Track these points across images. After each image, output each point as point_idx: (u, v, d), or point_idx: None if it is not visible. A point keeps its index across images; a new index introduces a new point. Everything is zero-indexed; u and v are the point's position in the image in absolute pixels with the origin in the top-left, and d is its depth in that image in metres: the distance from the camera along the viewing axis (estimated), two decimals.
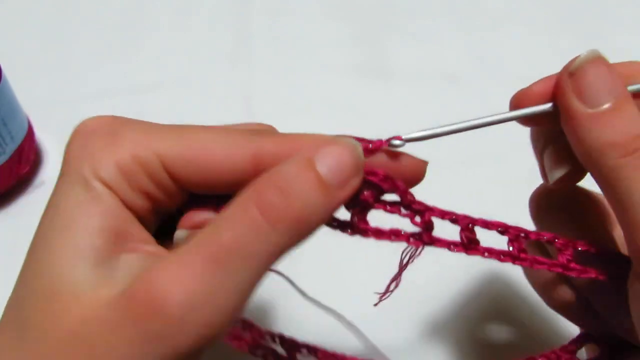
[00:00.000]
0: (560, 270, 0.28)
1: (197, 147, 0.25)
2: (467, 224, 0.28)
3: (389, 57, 0.64)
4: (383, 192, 0.26)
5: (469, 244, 0.28)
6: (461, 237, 0.28)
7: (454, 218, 0.28)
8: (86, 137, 0.25)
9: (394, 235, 0.27)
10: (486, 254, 0.28)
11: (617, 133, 0.25)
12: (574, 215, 0.31)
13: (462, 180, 0.52)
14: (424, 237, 0.27)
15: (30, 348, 0.22)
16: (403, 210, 0.27)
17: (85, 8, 0.68)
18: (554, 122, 0.27)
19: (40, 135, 0.54)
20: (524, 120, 0.29)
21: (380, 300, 0.32)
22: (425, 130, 0.28)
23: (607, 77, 0.26)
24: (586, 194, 0.32)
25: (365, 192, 0.26)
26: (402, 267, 0.29)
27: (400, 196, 0.27)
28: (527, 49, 0.64)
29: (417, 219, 0.27)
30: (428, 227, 0.27)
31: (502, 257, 0.28)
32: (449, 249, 0.27)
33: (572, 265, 0.28)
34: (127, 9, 0.68)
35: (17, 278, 0.24)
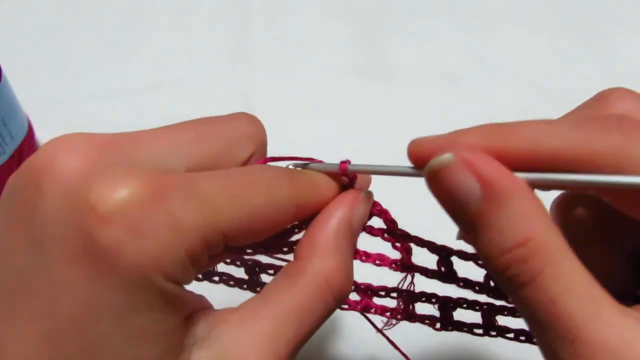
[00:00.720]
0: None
1: (255, 217, 0.23)
2: (442, 255, 0.29)
3: (389, 57, 0.64)
4: (371, 216, 0.29)
5: (445, 273, 0.29)
6: (438, 266, 0.29)
7: (432, 247, 0.29)
8: (138, 229, 0.20)
9: (378, 259, 0.28)
10: (461, 284, 0.29)
11: (484, 248, 0.22)
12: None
13: None
14: (406, 262, 0.28)
15: None
16: (386, 235, 0.29)
17: (85, 8, 0.68)
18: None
19: (40, 135, 0.54)
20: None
21: (384, 328, 0.32)
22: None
23: (462, 184, 0.21)
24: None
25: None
26: (403, 296, 0.30)
27: (386, 223, 0.29)
28: (527, 49, 0.64)
29: (398, 244, 0.29)
30: (408, 251, 0.29)
31: (476, 288, 0.29)
32: (427, 275, 0.29)
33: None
34: (127, 9, 0.68)
35: None
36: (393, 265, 0.28)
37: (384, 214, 0.28)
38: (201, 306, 0.24)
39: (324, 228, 0.26)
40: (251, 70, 0.62)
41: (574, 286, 0.20)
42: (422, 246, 0.29)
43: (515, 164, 0.22)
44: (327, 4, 0.69)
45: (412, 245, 0.29)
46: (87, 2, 0.69)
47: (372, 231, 0.29)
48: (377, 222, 0.29)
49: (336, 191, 0.27)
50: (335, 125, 0.57)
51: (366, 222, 0.28)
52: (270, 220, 0.24)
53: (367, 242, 0.29)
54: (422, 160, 0.23)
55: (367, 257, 0.28)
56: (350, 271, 0.26)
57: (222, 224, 0.22)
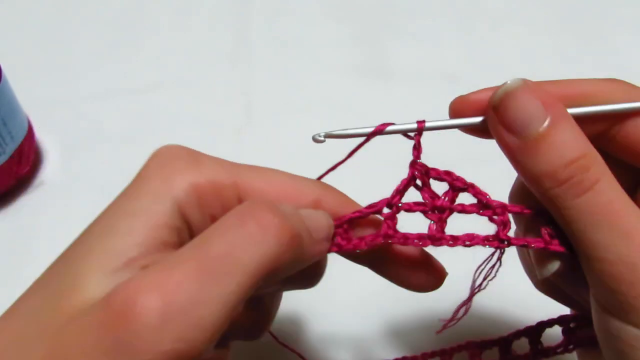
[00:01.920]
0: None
1: (274, 182, 0.27)
2: (548, 217, 0.26)
3: (389, 57, 0.64)
4: (457, 191, 0.27)
5: (550, 240, 0.26)
6: (543, 233, 0.27)
7: (534, 212, 0.27)
8: (166, 157, 0.25)
9: (468, 240, 0.27)
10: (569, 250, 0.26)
11: (546, 162, 0.24)
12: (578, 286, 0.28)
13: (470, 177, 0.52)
14: (501, 235, 0.26)
15: (23, 329, 0.22)
16: (482, 210, 0.27)
17: (85, 8, 0.68)
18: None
19: (40, 135, 0.54)
20: (465, 129, 0.28)
21: (444, 328, 0.32)
22: (350, 129, 0.28)
23: (530, 106, 0.25)
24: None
25: (442, 197, 0.27)
26: (475, 290, 0.29)
27: (477, 197, 0.27)
28: (527, 49, 0.64)
29: (495, 217, 0.27)
30: (505, 225, 0.27)
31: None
32: (528, 246, 0.27)
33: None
34: (127, 9, 0.68)
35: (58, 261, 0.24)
36: (486, 242, 0.26)
37: (471, 187, 0.27)
38: None
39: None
40: (251, 70, 0.62)
41: (622, 192, 0.24)
42: (523, 214, 0.27)
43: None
44: (327, 4, 0.69)
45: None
46: (87, 2, 0.69)
47: (464, 209, 0.27)
48: (468, 199, 0.27)
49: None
50: (335, 125, 0.56)
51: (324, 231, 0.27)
52: (289, 196, 0.26)
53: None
54: (470, 108, 0.28)
55: (454, 240, 0.27)
56: (290, 219, 0.23)
57: (236, 171, 0.26)
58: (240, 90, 0.60)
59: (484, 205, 0.27)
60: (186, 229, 0.25)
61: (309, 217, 0.25)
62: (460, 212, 0.27)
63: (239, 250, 0.21)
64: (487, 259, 0.28)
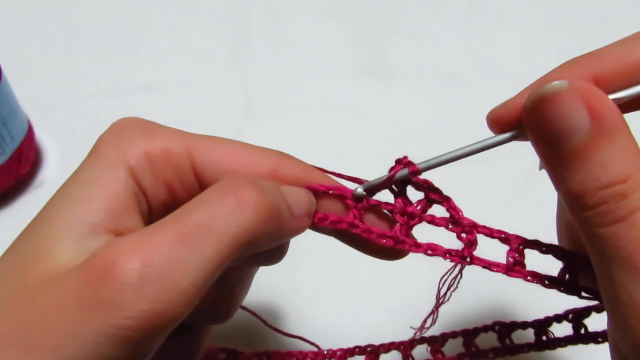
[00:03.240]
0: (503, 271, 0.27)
1: (227, 149, 0.27)
2: (517, 244, 0.27)
3: (389, 57, 0.64)
4: (431, 203, 0.27)
5: (513, 266, 0.27)
6: (507, 258, 0.27)
7: (503, 237, 0.27)
8: (120, 128, 0.26)
9: (430, 249, 0.27)
10: (529, 277, 0.27)
11: (578, 182, 0.21)
12: None
13: (464, 178, 0.52)
14: (465, 253, 0.27)
15: (3, 297, 0.22)
16: (450, 225, 0.27)
17: (85, 8, 0.68)
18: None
19: (40, 135, 0.54)
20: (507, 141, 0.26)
21: (415, 336, 0.32)
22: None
23: (571, 115, 0.21)
24: None
25: (414, 205, 0.27)
26: (439, 300, 0.29)
27: (449, 211, 0.27)
28: (527, 49, 0.64)
29: (463, 235, 0.27)
30: (471, 244, 0.27)
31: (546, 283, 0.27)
32: (489, 269, 0.27)
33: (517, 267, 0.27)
34: (127, 9, 0.68)
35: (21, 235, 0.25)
36: (447, 255, 0.27)
37: (446, 201, 0.27)
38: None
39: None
40: (251, 70, 0.62)
41: None
42: (492, 236, 0.27)
43: (610, 86, 0.22)
44: (327, 5, 0.69)
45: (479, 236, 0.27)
46: (87, 2, 0.69)
47: (434, 220, 0.27)
48: (440, 212, 0.28)
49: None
50: (336, 125, 0.57)
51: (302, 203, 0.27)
52: (243, 163, 0.26)
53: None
54: (508, 121, 0.25)
55: (417, 246, 0.27)
56: (270, 197, 0.24)
57: (188, 139, 0.26)
58: (240, 90, 0.60)
59: (454, 221, 0.27)
60: (142, 194, 0.25)
61: (290, 193, 0.26)
62: (429, 222, 0.27)
63: (217, 221, 0.22)
64: (449, 270, 0.28)
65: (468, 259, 0.27)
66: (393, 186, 0.27)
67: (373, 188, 0.28)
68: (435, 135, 0.49)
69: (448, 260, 0.27)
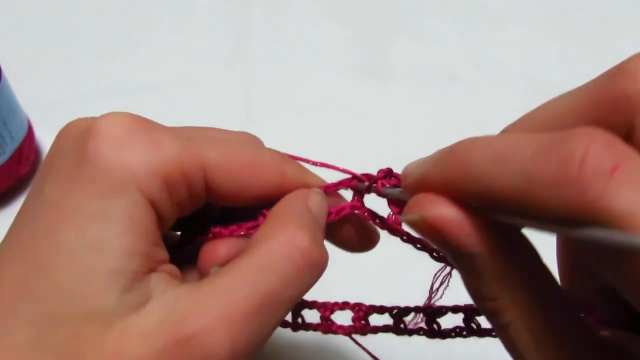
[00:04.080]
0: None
1: (238, 160, 0.25)
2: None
3: (389, 57, 0.64)
4: None
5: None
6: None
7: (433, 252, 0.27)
8: (121, 141, 0.22)
9: (420, 243, 0.27)
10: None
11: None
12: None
13: None
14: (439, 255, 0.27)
15: None
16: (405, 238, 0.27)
17: (85, 8, 0.68)
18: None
19: (40, 135, 0.54)
20: None
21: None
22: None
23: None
24: None
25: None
26: (432, 296, 0.29)
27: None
28: (527, 49, 0.64)
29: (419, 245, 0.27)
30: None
31: None
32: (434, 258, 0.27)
33: None
34: (126, 9, 0.68)
35: (22, 279, 0.22)
36: (434, 255, 0.27)
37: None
38: (170, 271, 0.24)
39: (290, 204, 0.26)
40: (251, 70, 0.62)
41: (542, 342, 0.20)
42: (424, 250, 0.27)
43: (474, 201, 0.20)
44: (327, 4, 0.69)
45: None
46: (87, 2, 0.69)
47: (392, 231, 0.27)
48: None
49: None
50: (336, 125, 0.57)
51: (326, 213, 0.27)
52: (253, 171, 0.25)
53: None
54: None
55: (409, 238, 0.27)
56: (321, 245, 0.25)
57: (201, 156, 0.24)
58: (240, 90, 0.60)
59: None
60: (159, 219, 0.24)
61: (315, 205, 0.26)
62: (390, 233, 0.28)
63: (291, 289, 0.23)
64: (442, 268, 0.28)
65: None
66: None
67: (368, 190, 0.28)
68: (436, 135, 0.49)
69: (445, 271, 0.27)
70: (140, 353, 0.20)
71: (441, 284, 0.29)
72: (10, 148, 0.48)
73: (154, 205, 0.23)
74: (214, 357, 0.20)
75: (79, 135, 0.23)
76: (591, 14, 0.68)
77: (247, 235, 0.26)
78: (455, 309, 0.29)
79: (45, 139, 0.55)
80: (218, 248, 0.26)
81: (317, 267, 0.24)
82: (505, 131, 0.24)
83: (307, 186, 0.27)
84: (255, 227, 0.26)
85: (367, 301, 0.30)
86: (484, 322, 0.27)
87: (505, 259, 0.20)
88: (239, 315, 0.21)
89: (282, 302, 0.22)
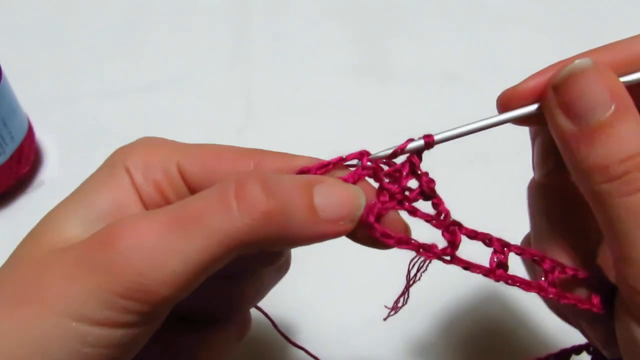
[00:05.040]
0: (535, 291, 0.27)
1: (210, 154, 0.27)
2: (502, 247, 0.27)
3: (389, 57, 0.64)
4: (425, 196, 0.27)
5: (495, 268, 0.27)
6: (491, 260, 0.27)
7: (487, 240, 0.27)
8: (132, 144, 0.28)
9: (422, 248, 0.26)
10: (510, 281, 0.27)
11: (603, 155, 0.23)
12: (564, 212, 0.29)
13: (463, 179, 0.52)
14: (448, 252, 0.26)
15: (11, 263, 0.24)
16: (435, 222, 0.26)
17: (85, 8, 0.68)
18: (546, 122, 0.26)
19: (40, 135, 0.54)
20: (514, 120, 0.27)
21: (389, 316, 0.31)
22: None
23: (597, 91, 0.23)
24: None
25: (406, 193, 0.26)
26: (409, 283, 0.28)
27: (435, 208, 0.27)
28: (527, 49, 0.64)
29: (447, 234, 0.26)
30: (455, 245, 0.26)
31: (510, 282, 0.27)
32: (470, 269, 0.26)
33: (550, 289, 0.27)
34: (127, 9, 0.68)
35: None
36: (422, 251, 0.26)
37: (437, 197, 0.27)
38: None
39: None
40: (251, 70, 0.62)
41: None
42: (476, 239, 0.27)
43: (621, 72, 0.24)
44: (327, 4, 0.69)
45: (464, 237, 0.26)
46: (87, 2, 0.69)
47: (418, 213, 0.26)
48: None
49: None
50: (335, 124, 0.57)
51: (347, 228, 0.25)
52: (225, 165, 0.26)
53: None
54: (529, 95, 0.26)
55: (402, 243, 0.26)
56: (275, 197, 0.23)
57: (178, 155, 0.27)
58: (240, 90, 0.60)
59: (440, 219, 0.27)
60: (137, 191, 0.27)
61: (325, 193, 0.24)
62: (411, 211, 0.27)
63: (210, 215, 0.22)
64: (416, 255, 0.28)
65: (448, 257, 0.26)
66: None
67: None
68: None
69: (422, 257, 0.27)
70: (67, 250, 0.23)
71: (418, 270, 0.28)
72: (10, 148, 0.48)
73: (130, 176, 0.27)
74: (116, 251, 0.22)
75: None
76: (591, 13, 0.68)
77: None
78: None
79: (45, 139, 0.55)
80: None
81: (251, 206, 0.22)
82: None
83: (288, 170, 0.26)
84: None
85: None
86: None
87: None
88: (149, 225, 0.22)
89: (199, 225, 0.22)
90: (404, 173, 0.27)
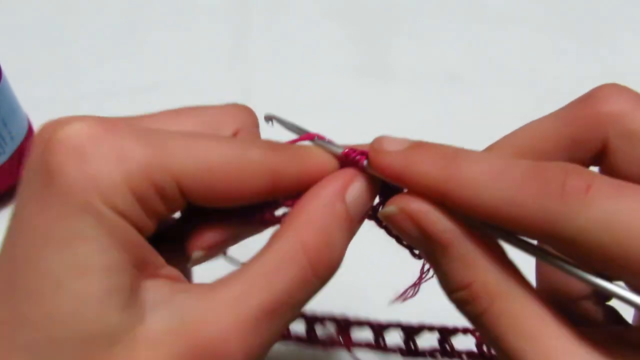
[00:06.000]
0: None
1: (214, 167, 0.23)
2: None
3: (389, 57, 0.64)
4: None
5: None
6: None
7: None
8: (82, 153, 0.21)
9: None
10: None
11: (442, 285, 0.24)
12: None
13: None
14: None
15: None
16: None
17: (85, 8, 0.68)
18: None
19: None
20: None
21: (395, 301, 0.32)
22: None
23: (407, 232, 0.23)
24: None
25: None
26: (424, 273, 0.29)
27: None
28: (527, 49, 0.64)
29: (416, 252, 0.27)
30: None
31: None
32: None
33: None
34: (127, 9, 0.68)
35: (13, 311, 0.21)
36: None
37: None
38: (169, 275, 0.24)
39: (310, 200, 0.24)
40: (251, 70, 0.62)
41: (520, 324, 0.21)
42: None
43: (458, 208, 0.22)
44: (327, 4, 0.69)
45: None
46: (87, 2, 0.69)
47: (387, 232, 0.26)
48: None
49: (334, 168, 0.27)
50: (336, 125, 0.57)
51: (369, 205, 0.26)
52: (236, 178, 0.23)
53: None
54: (380, 170, 0.25)
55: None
56: (336, 249, 0.24)
57: (172, 165, 0.22)
58: (240, 90, 0.60)
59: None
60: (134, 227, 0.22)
61: (353, 197, 0.25)
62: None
63: (297, 293, 0.23)
64: None
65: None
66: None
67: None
68: (436, 135, 0.49)
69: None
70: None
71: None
72: (10, 148, 0.48)
73: (126, 217, 0.21)
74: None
75: (44, 146, 0.22)
76: (591, 14, 0.68)
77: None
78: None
79: None
80: (204, 234, 0.25)
81: (326, 271, 0.23)
82: (490, 149, 0.26)
83: (307, 171, 0.26)
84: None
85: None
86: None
87: (476, 244, 0.22)
88: (252, 321, 0.21)
89: (291, 307, 0.23)
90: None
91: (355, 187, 0.25)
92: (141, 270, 0.22)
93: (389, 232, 0.27)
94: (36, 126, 0.53)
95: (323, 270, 0.23)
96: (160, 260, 0.24)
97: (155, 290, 0.22)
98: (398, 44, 0.65)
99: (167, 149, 0.22)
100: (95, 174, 0.21)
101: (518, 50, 0.64)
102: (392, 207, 0.23)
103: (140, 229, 0.22)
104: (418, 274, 0.29)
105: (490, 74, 0.61)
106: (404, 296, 0.30)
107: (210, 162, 0.23)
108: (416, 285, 0.30)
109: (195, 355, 0.21)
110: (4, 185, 0.50)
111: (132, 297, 0.21)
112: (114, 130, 0.22)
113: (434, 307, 0.30)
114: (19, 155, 0.49)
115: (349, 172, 0.26)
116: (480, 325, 0.22)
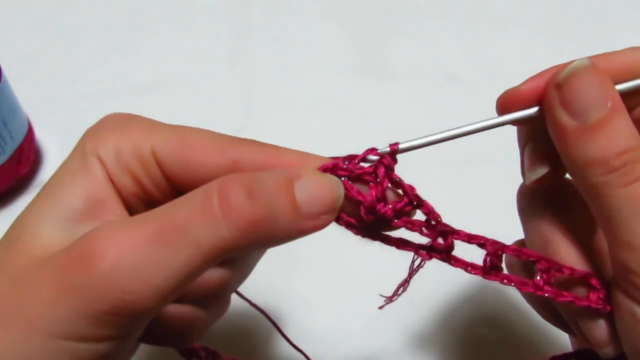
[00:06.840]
0: (532, 290, 0.27)
1: (187, 143, 0.26)
2: (495, 250, 0.27)
3: (389, 57, 0.64)
4: (412, 208, 0.27)
5: (489, 269, 0.27)
6: (485, 261, 0.27)
7: (481, 243, 0.27)
8: (100, 123, 0.28)
9: (420, 248, 0.27)
10: (505, 280, 0.27)
11: (602, 149, 0.24)
12: (558, 212, 0.29)
13: (461, 180, 0.52)
14: (445, 258, 0.27)
15: None
16: (425, 230, 0.27)
17: (85, 8, 0.68)
18: (542, 123, 0.27)
19: (40, 135, 0.54)
20: (513, 122, 0.28)
21: (385, 304, 0.32)
22: (411, 140, 0.28)
23: (596, 89, 0.25)
24: (573, 189, 0.29)
25: (390, 206, 0.26)
26: (412, 272, 0.29)
27: (427, 215, 0.26)
28: (527, 49, 0.64)
29: (440, 240, 0.27)
30: (449, 249, 0.27)
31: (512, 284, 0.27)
32: (466, 270, 0.27)
33: (546, 287, 0.27)
34: (127, 9, 0.68)
35: None
36: (421, 251, 0.27)
37: (417, 198, 0.26)
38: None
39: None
40: (251, 70, 0.62)
41: None
42: (470, 242, 0.27)
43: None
44: (327, 4, 0.69)
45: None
46: (87, 2, 0.69)
47: (411, 226, 0.26)
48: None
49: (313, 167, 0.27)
50: (335, 124, 0.57)
51: (331, 207, 0.25)
52: (203, 156, 0.26)
53: None
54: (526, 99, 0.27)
55: (401, 244, 0.27)
56: (266, 211, 0.23)
57: (153, 137, 0.26)
58: (240, 90, 0.60)
59: (431, 226, 0.27)
60: (112, 183, 0.26)
61: (307, 188, 0.24)
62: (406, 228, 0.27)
63: (196, 225, 0.22)
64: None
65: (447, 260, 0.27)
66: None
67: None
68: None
69: (420, 258, 0.27)
70: (44, 266, 0.23)
71: (421, 261, 0.28)
72: (10, 148, 0.48)
73: (104, 166, 0.26)
74: (96, 271, 0.21)
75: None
76: (591, 14, 0.68)
77: None
78: None
79: (45, 139, 0.55)
80: None
81: (242, 223, 0.22)
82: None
83: (274, 166, 0.26)
84: None
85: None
86: None
87: None
88: (131, 237, 0.22)
89: (185, 236, 0.22)
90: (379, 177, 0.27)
91: (311, 181, 0.25)
92: (101, 210, 0.25)
93: (372, 236, 0.27)
94: (36, 126, 0.53)
95: (235, 219, 0.22)
96: (123, 212, 0.26)
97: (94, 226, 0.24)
98: (398, 44, 0.65)
99: (155, 131, 0.27)
100: (96, 135, 0.27)
101: (518, 50, 0.64)
102: (583, 60, 0.25)
103: (116, 181, 0.26)
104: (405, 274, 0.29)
105: (490, 74, 0.61)
106: (394, 294, 0.30)
107: (185, 138, 0.26)
108: (405, 282, 0.30)
109: (69, 266, 0.22)
110: (4, 185, 0.50)
111: (76, 223, 0.24)
112: (127, 116, 0.28)
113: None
114: (19, 155, 0.49)
115: (304, 161, 0.27)
116: (627, 194, 0.24)
